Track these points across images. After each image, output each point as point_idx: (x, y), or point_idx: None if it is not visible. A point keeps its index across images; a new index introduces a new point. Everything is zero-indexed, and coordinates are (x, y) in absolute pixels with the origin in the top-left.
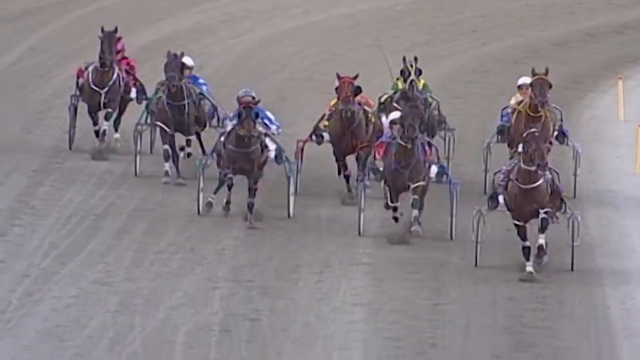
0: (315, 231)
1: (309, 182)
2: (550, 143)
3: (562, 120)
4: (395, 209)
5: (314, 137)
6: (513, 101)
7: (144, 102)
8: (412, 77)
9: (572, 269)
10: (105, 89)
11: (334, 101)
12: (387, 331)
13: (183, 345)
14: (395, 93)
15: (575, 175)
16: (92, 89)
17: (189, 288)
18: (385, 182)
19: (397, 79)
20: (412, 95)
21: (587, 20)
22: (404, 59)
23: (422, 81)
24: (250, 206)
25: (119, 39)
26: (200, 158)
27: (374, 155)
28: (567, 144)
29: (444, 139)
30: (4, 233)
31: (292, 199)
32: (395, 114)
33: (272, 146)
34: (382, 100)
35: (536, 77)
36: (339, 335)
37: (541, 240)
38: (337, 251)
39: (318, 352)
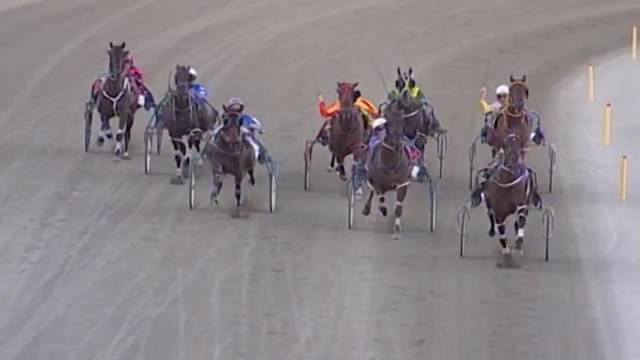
0: (329, 203)
1: (318, 175)
2: (533, 138)
3: (539, 123)
4: (382, 200)
5: (320, 138)
6: (490, 108)
7: (152, 108)
8: (406, 87)
9: (546, 259)
10: (117, 97)
11: (332, 109)
12: (392, 280)
13: (218, 292)
14: (393, 102)
15: (550, 172)
16: (105, 97)
17: (224, 244)
18: (371, 181)
19: (393, 91)
20: (407, 103)
21: (564, 15)
22: (399, 70)
23: (417, 89)
24: (238, 195)
25: (127, 52)
26: (192, 158)
27: (362, 157)
28: (544, 145)
29: (437, 140)
30: (65, 196)
31: (273, 195)
32: (380, 121)
33: (256, 147)
34: (382, 108)
35: (514, 83)
36: (350, 283)
37: (520, 234)
38: (347, 216)
39: (333, 298)
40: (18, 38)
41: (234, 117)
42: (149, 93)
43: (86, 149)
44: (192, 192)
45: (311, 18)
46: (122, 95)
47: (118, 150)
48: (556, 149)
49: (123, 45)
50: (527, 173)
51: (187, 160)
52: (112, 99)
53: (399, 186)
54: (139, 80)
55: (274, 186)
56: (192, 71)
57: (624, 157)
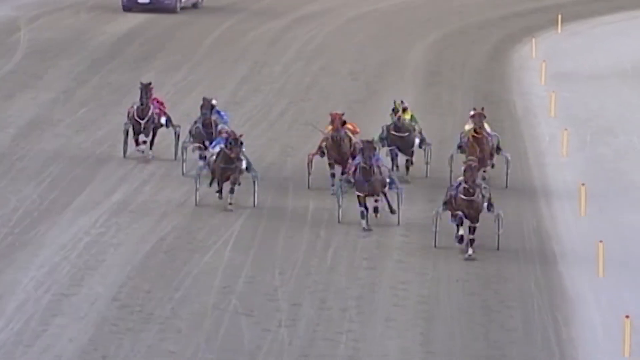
0: (326, 194)
1: (319, 179)
2: (491, 155)
3: (499, 142)
4: (363, 205)
5: (319, 152)
6: (467, 127)
7: (171, 126)
8: (399, 114)
9: (498, 249)
10: (144, 120)
11: (329, 128)
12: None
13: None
14: (389, 125)
15: (507, 174)
16: (136, 120)
17: (216, 222)
18: (356, 189)
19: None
20: (401, 125)
21: (517, 6)
22: (394, 102)
23: (410, 113)
24: (232, 192)
25: (152, 87)
26: (198, 167)
27: (348, 172)
28: (501, 155)
29: (424, 150)
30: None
31: (256, 195)
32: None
33: (244, 161)
34: (382, 131)
35: (476, 112)
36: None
37: (472, 236)
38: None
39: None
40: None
41: (237, 140)
42: (168, 116)
43: (124, 156)
44: (197, 193)
45: (364, 10)
46: (148, 119)
47: (142, 151)
48: (510, 157)
49: (149, 83)
50: (482, 189)
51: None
52: (140, 121)
53: (372, 198)
54: (161, 107)
55: (256, 188)
56: (214, 101)
57: (554, 91)
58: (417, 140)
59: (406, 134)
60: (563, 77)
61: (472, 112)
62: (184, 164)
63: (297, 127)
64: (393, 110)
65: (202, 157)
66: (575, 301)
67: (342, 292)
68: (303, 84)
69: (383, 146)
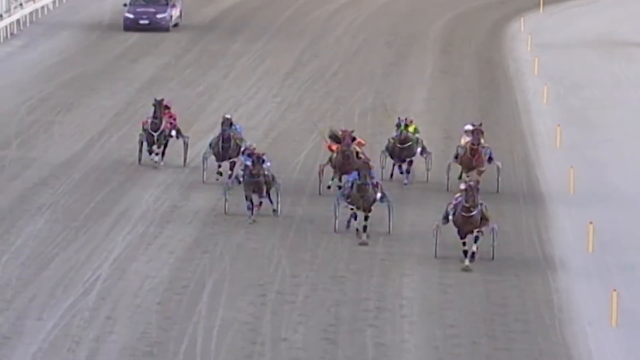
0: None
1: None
2: (487, 161)
3: (490, 153)
4: (356, 219)
5: (329, 164)
6: (462, 141)
7: (181, 137)
8: (401, 129)
9: (492, 258)
10: (157, 133)
11: (335, 146)
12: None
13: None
14: (393, 137)
15: (497, 181)
16: (150, 132)
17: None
18: (351, 203)
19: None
20: (405, 138)
21: None
22: (399, 118)
23: (414, 126)
24: (259, 205)
25: (165, 104)
26: (225, 182)
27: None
28: (493, 163)
29: (425, 159)
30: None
31: (278, 206)
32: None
33: (269, 175)
34: (387, 143)
35: (475, 128)
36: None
37: (474, 248)
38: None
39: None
40: None
41: (259, 158)
42: (178, 129)
43: (139, 162)
44: (226, 203)
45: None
46: (161, 132)
47: (155, 161)
48: (501, 165)
49: (162, 99)
50: (479, 207)
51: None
52: (154, 134)
53: (366, 214)
54: (172, 121)
55: (279, 199)
56: (227, 115)
57: (537, 57)
58: (418, 150)
59: (408, 144)
60: (544, 46)
61: (468, 127)
62: (204, 173)
63: (346, 85)
64: (397, 125)
65: (218, 168)
66: (552, 213)
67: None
68: (350, 51)
69: (387, 156)
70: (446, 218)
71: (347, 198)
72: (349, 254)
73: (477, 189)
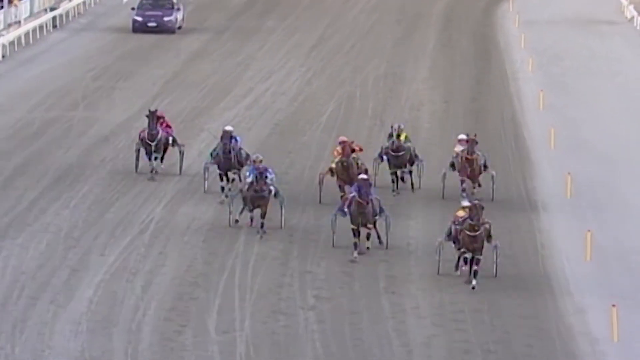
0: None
1: (328, 196)
2: (480, 170)
3: (485, 161)
4: (357, 236)
5: (329, 173)
6: (457, 149)
7: (177, 146)
8: (393, 138)
9: (495, 275)
10: (154, 143)
11: (337, 156)
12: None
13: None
14: (386, 147)
15: (492, 189)
16: (147, 142)
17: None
18: (351, 220)
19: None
20: (399, 146)
21: None
22: (392, 126)
23: (405, 134)
24: (262, 224)
25: (158, 115)
26: (230, 195)
27: (343, 204)
28: (488, 172)
29: (417, 167)
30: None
31: (282, 218)
32: (362, 176)
33: (273, 189)
34: (380, 151)
35: (470, 138)
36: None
37: (475, 267)
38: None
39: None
40: None
41: (262, 173)
42: (174, 137)
43: (136, 171)
44: (230, 215)
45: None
46: (158, 141)
47: (152, 169)
48: (495, 174)
49: (156, 110)
50: (484, 226)
51: (232, 181)
52: (151, 143)
53: (366, 227)
54: (168, 130)
55: (283, 211)
56: (228, 127)
57: (523, 33)
58: (410, 155)
59: (402, 153)
60: (529, 23)
61: (462, 136)
62: (206, 182)
63: (362, 56)
64: (390, 135)
65: (221, 178)
66: (536, 165)
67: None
68: (365, 28)
69: (380, 163)
70: (449, 235)
71: (344, 214)
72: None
73: (482, 207)
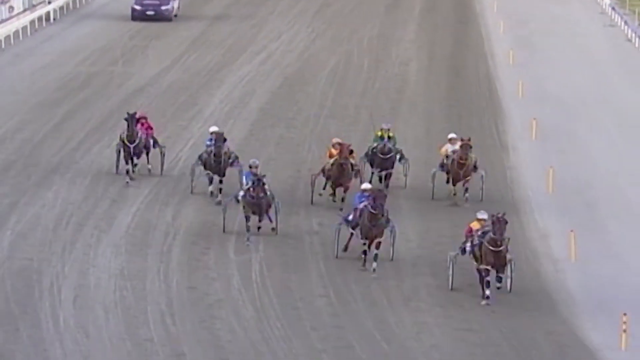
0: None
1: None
2: (471, 174)
3: (476, 161)
4: (365, 248)
5: (321, 174)
6: (444, 149)
7: (158, 147)
8: (385, 141)
9: (510, 291)
10: (133, 145)
11: (333, 158)
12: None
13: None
14: (376, 145)
15: (482, 189)
16: (126, 144)
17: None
18: (354, 228)
19: (377, 132)
20: (386, 150)
21: None
22: (381, 129)
23: (392, 134)
24: (258, 228)
25: (137, 117)
26: (224, 202)
27: (351, 214)
28: (477, 172)
29: (403, 165)
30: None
31: (277, 224)
32: (367, 185)
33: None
34: (367, 151)
35: (463, 142)
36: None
37: (498, 285)
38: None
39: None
40: None
41: (260, 180)
42: (154, 139)
43: (116, 172)
44: (224, 220)
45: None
46: (137, 144)
47: (128, 172)
48: (484, 174)
49: (135, 113)
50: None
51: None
52: (130, 145)
53: (376, 240)
54: (149, 132)
55: (278, 217)
56: (217, 129)
57: (495, 1)
58: (397, 157)
59: (389, 155)
60: (507, 4)
61: (452, 135)
62: (193, 184)
63: (358, 19)
64: (380, 137)
65: (210, 180)
66: (507, 112)
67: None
68: (353, 12)
69: (366, 163)
70: (464, 250)
71: (355, 226)
72: None
73: (506, 222)
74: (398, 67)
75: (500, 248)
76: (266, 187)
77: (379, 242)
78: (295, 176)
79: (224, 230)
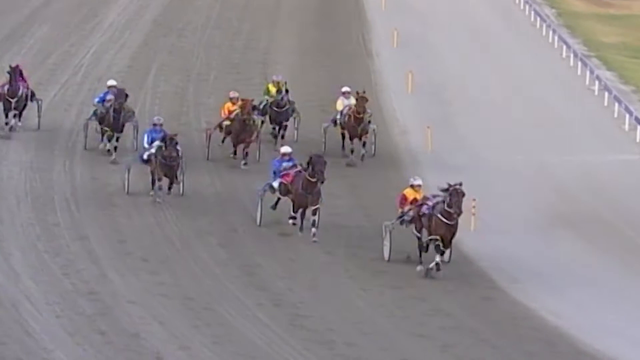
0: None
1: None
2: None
3: (370, 116)
4: (295, 218)
5: (218, 129)
6: (339, 103)
7: (35, 100)
8: (283, 94)
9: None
10: (15, 99)
11: (232, 108)
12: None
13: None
14: (273, 101)
15: (374, 143)
16: (7, 99)
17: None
18: (293, 202)
19: (268, 84)
20: (283, 103)
21: None
22: (279, 83)
23: (285, 87)
24: (169, 191)
25: (20, 69)
26: (129, 160)
27: (276, 180)
28: (374, 131)
29: (294, 119)
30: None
31: (183, 184)
32: (287, 149)
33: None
34: (260, 105)
35: (360, 95)
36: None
37: (438, 259)
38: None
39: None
40: None
41: (172, 139)
42: (32, 91)
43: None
44: (127, 182)
45: None
46: (19, 98)
47: (11, 126)
48: (376, 128)
49: (17, 66)
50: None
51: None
52: (11, 100)
53: (313, 207)
54: (23, 84)
55: (183, 177)
56: (112, 81)
57: (396, 28)
58: (291, 110)
59: (284, 109)
60: None
61: (346, 89)
62: (86, 140)
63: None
64: (278, 91)
65: (109, 138)
66: (371, 23)
67: None
68: None
69: (262, 115)
70: (404, 220)
71: (287, 193)
72: None
73: (464, 194)
74: None
75: (454, 222)
76: (178, 147)
77: (317, 209)
78: (185, 80)
79: (127, 192)
